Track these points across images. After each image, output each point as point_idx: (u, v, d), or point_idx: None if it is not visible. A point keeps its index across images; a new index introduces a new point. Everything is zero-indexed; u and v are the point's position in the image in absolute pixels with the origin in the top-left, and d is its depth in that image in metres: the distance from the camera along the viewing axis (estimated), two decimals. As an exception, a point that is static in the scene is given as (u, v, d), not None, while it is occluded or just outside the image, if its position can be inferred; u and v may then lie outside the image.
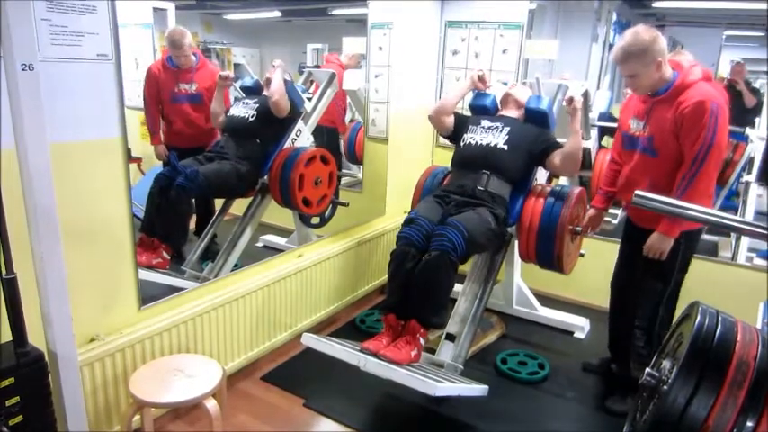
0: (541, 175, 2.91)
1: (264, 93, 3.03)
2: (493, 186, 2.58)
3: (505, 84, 3.05)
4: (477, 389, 2.34)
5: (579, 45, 4.14)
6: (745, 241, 3.31)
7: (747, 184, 3.53)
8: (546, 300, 3.51)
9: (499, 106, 2.89)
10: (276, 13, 4.44)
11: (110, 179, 1.97)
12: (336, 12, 4.09)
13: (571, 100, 2.56)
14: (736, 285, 2.94)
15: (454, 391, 2.25)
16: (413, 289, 2.27)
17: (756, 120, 3.64)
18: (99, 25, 1.80)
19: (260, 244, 3.63)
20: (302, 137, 3.15)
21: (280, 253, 3.00)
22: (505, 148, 2.63)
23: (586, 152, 3.59)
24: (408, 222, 2.38)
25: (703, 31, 4.25)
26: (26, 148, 1.42)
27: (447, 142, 3.77)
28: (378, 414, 2.53)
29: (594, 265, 2.93)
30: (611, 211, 2.74)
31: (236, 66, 4.27)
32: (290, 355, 2.88)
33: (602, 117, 3.73)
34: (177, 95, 3.09)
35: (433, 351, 2.53)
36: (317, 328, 3.08)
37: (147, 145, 3.22)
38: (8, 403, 1.45)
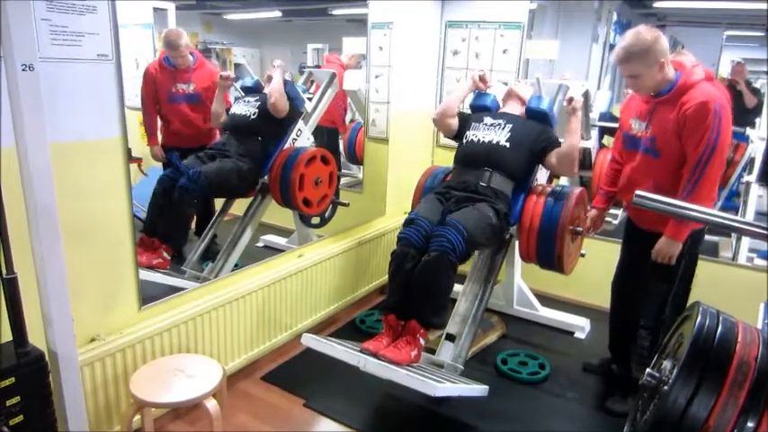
0: (542, 175, 2.91)
1: (265, 91, 3.03)
2: (495, 183, 2.59)
3: (506, 84, 3.05)
4: (477, 389, 2.34)
5: (580, 45, 4.14)
6: (746, 242, 3.31)
7: (748, 184, 3.53)
8: (546, 300, 3.51)
9: (501, 104, 2.90)
10: (276, 13, 4.43)
11: (110, 179, 1.97)
12: (337, 12, 4.09)
13: (571, 100, 2.57)
14: (736, 286, 2.94)
15: (454, 391, 2.25)
16: (413, 289, 2.27)
17: (757, 120, 3.64)
18: (99, 25, 1.80)
19: (260, 244, 3.63)
20: (302, 137, 3.16)
21: (280, 253, 3.01)
22: (507, 145, 2.63)
23: (587, 152, 3.59)
24: (408, 223, 2.38)
25: (704, 31, 4.24)
26: (26, 147, 1.42)
27: (447, 142, 3.78)
28: (378, 414, 2.53)
29: (595, 265, 2.93)
30: (611, 211, 2.74)
31: (237, 66, 4.27)
32: (290, 355, 2.88)
33: (603, 117, 3.73)
34: (175, 95, 3.09)
35: (433, 351, 2.53)
36: (317, 329, 3.08)
37: (159, 144, 3.21)
38: (8, 403, 1.45)
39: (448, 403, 2.51)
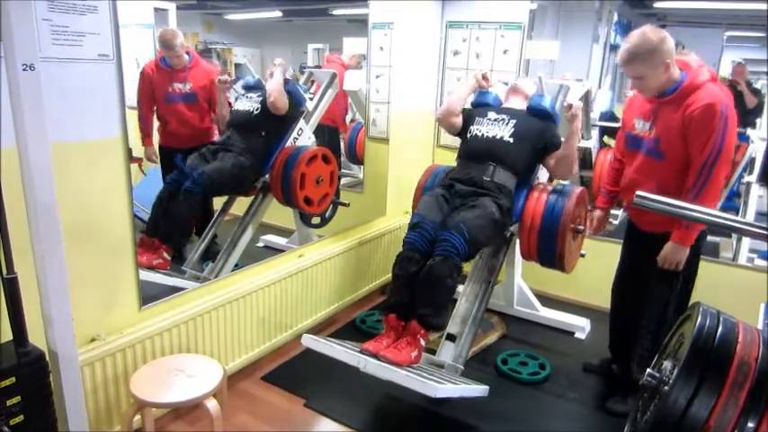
0: (543, 174, 2.92)
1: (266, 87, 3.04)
2: (499, 177, 2.61)
3: (506, 84, 3.05)
4: (477, 389, 2.34)
5: (580, 45, 4.14)
6: (747, 242, 3.31)
7: (748, 184, 3.53)
8: (547, 300, 3.51)
9: (503, 100, 2.92)
10: (277, 14, 4.43)
11: (110, 179, 1.97)
12: (337, 12, 4.09)
13: (570, 106, 2.57)
14: (737, 286, 2.93)
15: (455, 392, 2.25)
16: (416, 290, 2.28)
17: (757, 120, 3.64)
18: (100, 25, 1.80)
19: (260, 244, 3.63)
20: (304, 136, 3.16)
21: (280, 253, 3.01)
22: (511, 140, 2.65)
23: (587, 152, 3.59)
24: (413, 227, 2.40)
25: (704, 31, 4.24)
26: (27, 147, 1.42)
27: (448, 142, 3.79)
28: (378, 414, 2.53)
29: (595, 265, 2.93)
30: (612, 211, 2.73)
31: (237, 66, 4.27)
32: (290, 355, 2.88)
33: (604, 116, 3.73)
34: (171, 95, 3.08)
35: (433, 352, 2.53)
36: (317, 329, 3.08)
37: (153, 144, 3.21)
38: (9, 403, 1.45)
39: (448, 404, 2.51)
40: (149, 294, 2.23)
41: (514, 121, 2.69)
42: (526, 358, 2.92)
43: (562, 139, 2.68)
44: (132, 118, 2.95)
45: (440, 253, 2.26)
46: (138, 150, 3.18)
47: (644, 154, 2.25)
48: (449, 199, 2.54)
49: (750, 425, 1.20)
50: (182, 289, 2.40)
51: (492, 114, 2.75)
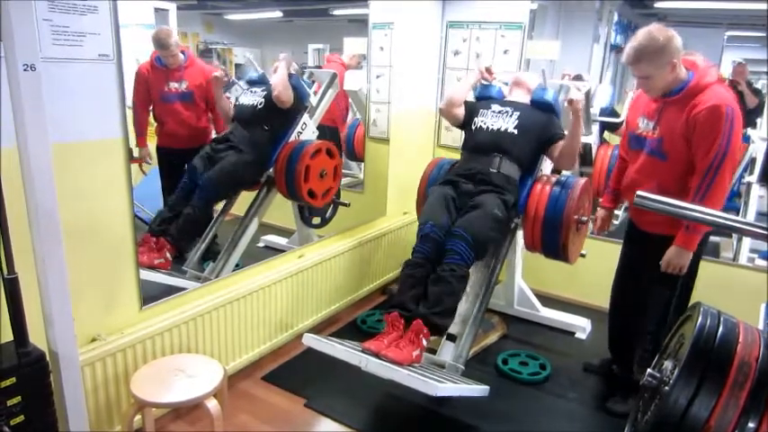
0: (547, 166, 2.93)
1: (271, 82, 3.05)
2: (505, 169, 2.64)
3: (506, 84, 3.05)
4: (478, 389, 2.34)
5: (581, 45, 4.14)
6: (747, 242, 3.30)
7: (749, 184, 3.52)
8: (547, 300, 3.50)
9: (505, 93, 2.93)
10: (277, 14, 4.43)
11: (111, 179, 1.97)
12: (337, 12, 4.09)
13: (572, 101, 2.57)
14: (737, 286, 2.94)
15: (455, 391, 2.25)
16: (423, 293, 2.34)
17: (758, 120, 3.64)
18: (100, 25, 1.80)
19: (261, 244, 3.64)
20: (307, 130, 3.17)
21: (281, 253, 3.01)
22: (516, 132, 2.67)
23: (587, 148, 3.59)
24: (422, 239, 2.46)
25: (705, 31, 4.24)
26: (28, 148, 1.43)
27: (449, 142, 3.80)
28: (379, 414, 2.53)
29: (596, 265, 2.92)
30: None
31: (237, 66, 4.27)
32: (291, 355, 2.88)
33: (604, 112, 3.73)
34: (167, 95, 3.08)
35: (434, 352, 2.53)
36: (318, 329, 3.08)
37: (151, 144, 3.21)
38: (9, 403, 1.45)
39: (449, 403, 2.51)
40: (150, 294, 2.24)
41: (518, 113, 2.71)
42: (527, 358, 2.92)
43: (565, 132, 2.68)
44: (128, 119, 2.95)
45: (447, 262, 2.35)
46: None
47: (646, 154, 2.23)
48: (456, 198, 2.55)
49: (751, 425, 1.20)
50: (182, 289, 2.40)
51: (496, 107, 2.77)
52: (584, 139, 3.55)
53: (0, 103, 1.43)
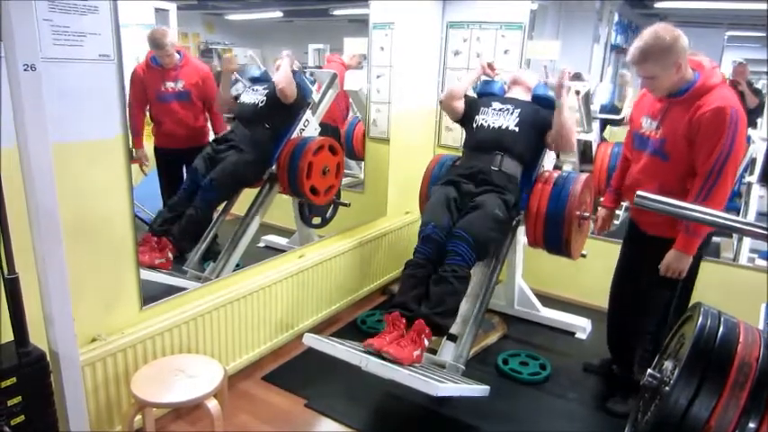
0: (548, 162, 2.93)
1: (273, 79, 3.05)
2: (506, 167, 2.64)
3: (505, 83, 3.05)
4: (478, 389, 2.34)
5: (581, 45, 4.14)
6: (747, 242, 3.30)
7: (749, 184, 3.52)
8: (547, 300, 3.50)
9: (506, 89, 2.94)
10: (278, 14, 4.43)
11: (111, 179, 1.97)
12: (338, 12, 4.09)
13: (561, 84, 2.62)
14: (738, 286, 2.93)
15: (456, 391, 2.25)
16: (425, 293, 2.34)
17: (758, 120, 3.63)
18: (101, 25, 1.80)
19: (261, 244, 3.64)
20: (310, 127, 3.17)
21: (281, 253, 3.01)
22: (516, 129, 2.68)
23: (587, 145, 3.59)
24: (423, 240, 2.46)
25: (705, 31, 4.23)
26: (28, 148, 1.43)
27: (449, 142, 3.80)
28: (379, 414, 2.53)
29: (596, 265, 2.92)
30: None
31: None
32: (291, 355, 2.88)
33: (604, 109, 3.73)
34: (164, 95, 3.08)
35: (434, 352, 2.53)
36: (318, 329, 3.08)
37: (148, 145, 3.21)
38: (10, 403, 1.46)
39: (449, 403, 2.51)
40: (150, 294, 2.24)
41: (519, 110, 2.72)
42: (527, 358, 2.92)
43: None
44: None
45: (449, 263, 2.36)
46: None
47: (649, 154, 2.21)
48: (457, 199, 2.56)
49: (751, 425, 1.20)
50: (183, 289, 2.40)
51: (497, 104, 2.78)
52: (584, 137, 3.57)
53: (0, 102, 1.43)
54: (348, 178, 3.95)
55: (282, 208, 3.23)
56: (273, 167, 3.03)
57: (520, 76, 2.94)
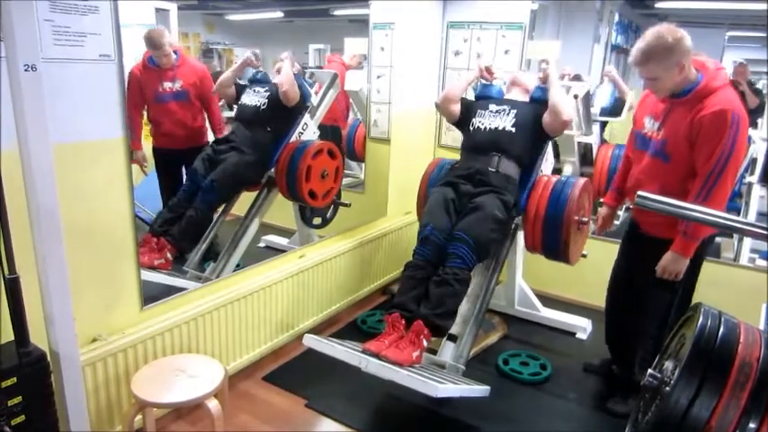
0: (547, 166, 2.92)
1: (274, 81, 3.05)
2: (503, 168, 2.64)
3: (505, 83, 3.05)
4: (478, 390, 2.34)
5: (581, 46, 4.13)
6: (748, 242, 3.30)
7: (750, 185, 3.52)
8: (548, 300, 3.50)
9: (504, 91, 2.94)
10: (278, 14, 4.44)
11: (112, 179, 1.97)
12: (338, 12, 4.10)
13: (546, 76, 2.70)
14: (738, 286, 2.93)
15: (456, 392, 2.25)
16: (424, 294, 2.34)
17: (759, 120, 3.63)
18: (101, 26, 1.80)
19: (262, 244, 3.64)
20: (308, 131, 3.17)
21: (282, 253, 3.01)
22: (513, 130, 2.67)
23: (588, 148, 3.59)
24: (422, 241, 2.45)
25: (706, 31, 4.23)
26: (29, 148, 1.43)
27: (449, 143, 3.79)
28: (379, 415, 2.53)
29: (596, 265, 2.91)
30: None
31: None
32: (291, 355, 2.88)
33: (604, 111, 3.73)
34: (162, 95, 3.07)
35: (434, 352, 2.53)
36: (318, 329, 3.08)
37: (149, 145, 3.21)
38: (10, 403, 1.46)
39: (449, 404, 2.51)
40: (151, 294, 2.24)
41: (515, 111, 2.72)
42: (527, 358, 2.92)
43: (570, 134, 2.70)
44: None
45: (449, 266, 2.35)
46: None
47: (650, 155, 2.21)
48: (455, 200, 2.55)
49: (752, 425, 1.20)
50: (183, 289, 2.40)
51: (493, 106, 2.77)
52: (585, 139, 3.56)
53: (1, 103, 1.43)
54: (348, 178, 3.95)
55: (283, 208, 3.23)
56: (272, 171, 3.03)
57: (519, 77, 2.93)
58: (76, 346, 1.68)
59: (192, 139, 3.20)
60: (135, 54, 3.01)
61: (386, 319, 2.33)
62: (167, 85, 3.07)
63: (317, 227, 3.57)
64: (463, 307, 2.65)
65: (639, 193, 1.53)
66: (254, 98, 3.06)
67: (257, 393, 2.61)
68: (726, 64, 4.06)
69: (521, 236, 2.92)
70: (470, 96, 3.01)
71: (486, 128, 2.72)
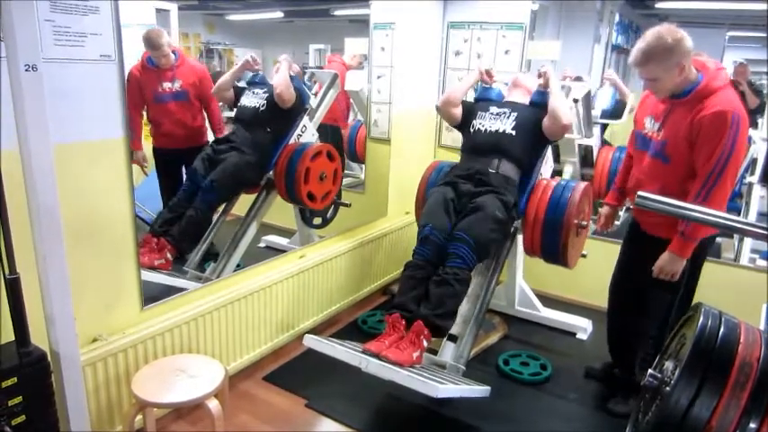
0: (546, 170, 2.92)
1: (271, 82, 3.05)
2: (503, 170, 2.64)
3: (506, 84, 3.05)
4: (479, 390, 2.34)
5: (581, 46, 4.14)
6: (748, 242, 3.30)
7: (750, 185, 3.52)
8: (548, 301, 3.50)
9: (505, 94, 2.94)
10: (278, 14, 4.44)
11: (112, 179, 1.97)
12: (339, 12, 4.10)
13: (541, 75, 2.70)
14: (738, 286, 2.93)
15: (456, 392, 2.25)
16: (424, 294, 2.34)
17: (759, 120, 3.63)
18: (102, 26, 1.80)
19: (262, 245, 3.64)
20: (307, 133, 3.17)
21: (282, 254, 3.01)
22: (513, 132, 2.67)
23: (588, 150, 3.59)
24: (422, 241, 2.45)
25: (706, 31, 4.23)
26: (30, 148, 1.43)
27: (449, 143, 3.79)
28: (379, 415, 2.53)
29: (597, 265, 2.92)
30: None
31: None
32: (292, 355, 2.88)
33: (605, 114, 3.73)
34: (161, 95, 3.08)
35: (434, 352, 2.53)
36: (318, 329, 3.08)
37: (149, 145, 3.21)
38: (11, 403, 1.46)
39: (449, 404, 2.51)
40: (151, 294, 2.24)
41: (516, 113, 2.72)
42: (527, 359, 2.92)
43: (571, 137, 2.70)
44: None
45: (450, 266, 2.35)
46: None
47: (650, 156, 2.20)
48: (455, 200, 2.55)
49: (752, 425, 1.20)
50: (183, 289, 2.40)
51: (494, 109, 2.77)
52: (585, 142, 3.56)
53: (1, 103, 1.43)
54: (349, 179, 3.95)
55: (283, 208, 3.23)
56: (271, 173, 3.03)
57: (520, 79, 2.93)
58: (77, 346, 1.68)
59: (192, 139, 3.20)
60: (136, 54, 3.01)
61: (386, 319, 2.33)
62: (167, 85, 3.07)
63: (318, 227, 3.57)
64: (463, 307, 2.65)
65: (639, 193, 1.53)
66: (254, 100, 3.06)
67: (257, 393, 2.61)
68: (726, 64, 4.06)
69: (521, 237, 2.92)
70: (470, 97, 3.01)
71: (486, 130, 2.72)
